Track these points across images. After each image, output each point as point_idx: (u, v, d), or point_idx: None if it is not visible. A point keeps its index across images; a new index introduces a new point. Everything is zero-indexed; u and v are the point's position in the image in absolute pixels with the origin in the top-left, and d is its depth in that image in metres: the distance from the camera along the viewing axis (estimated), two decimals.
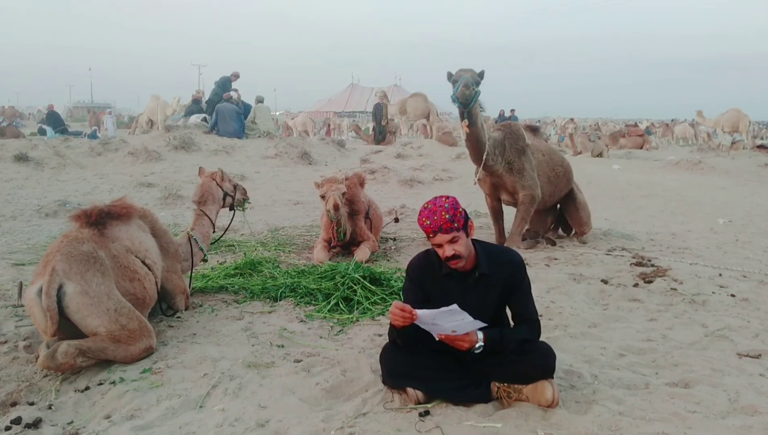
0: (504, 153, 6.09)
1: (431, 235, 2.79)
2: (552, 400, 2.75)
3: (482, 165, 5.98)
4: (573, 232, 6.85)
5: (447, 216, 2.74)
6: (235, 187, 5.00)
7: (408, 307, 2.70)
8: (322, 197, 5.55)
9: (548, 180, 6.41)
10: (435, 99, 23.77)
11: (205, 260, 4.75)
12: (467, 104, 5.61)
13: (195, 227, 4.66)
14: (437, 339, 2.79)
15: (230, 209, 5.04)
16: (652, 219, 8.59)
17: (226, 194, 4.87)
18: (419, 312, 2.68)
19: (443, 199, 2.82)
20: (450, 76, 5.73)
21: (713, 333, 3.89)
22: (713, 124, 22.99)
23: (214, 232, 4.82)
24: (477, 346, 2.77)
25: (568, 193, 6.70)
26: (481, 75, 5.76)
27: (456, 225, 2.75)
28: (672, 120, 43.65)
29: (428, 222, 2.77)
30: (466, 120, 5.70)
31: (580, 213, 6.64)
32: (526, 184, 6.10)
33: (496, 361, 2.85)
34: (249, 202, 5.21)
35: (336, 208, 5.41)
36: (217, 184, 4.82)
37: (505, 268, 2.92)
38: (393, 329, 2.89)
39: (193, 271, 4.58)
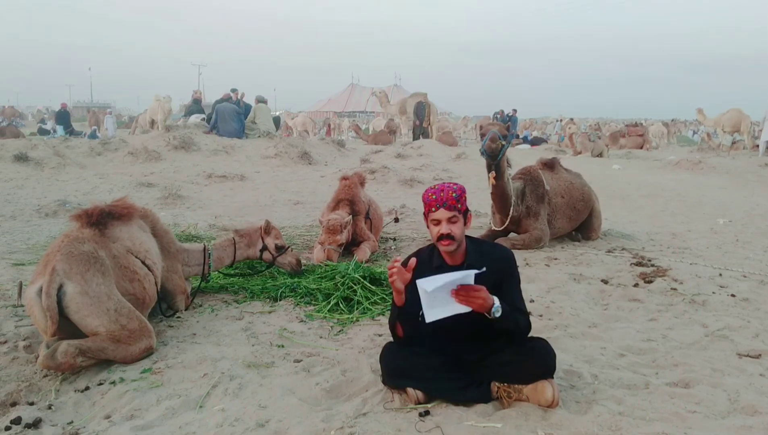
0: (524, 199, 6.28)
1: (433, 209, 2.80)
2: (552, 400, 2.75)
3: (509, 218, 6.14)
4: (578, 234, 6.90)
5: (454, 195, 2.80)
6: (280, 248, 4.80)
7: (398, 261, 2.75)
8: (321, 244, 5.50)
9: (569, 219, 6.60)
10: (435, 99, 23.80)
11: (207, 280, 4.59)
12: (495, 157, 5.75)
13: (217, 246, 4.63)
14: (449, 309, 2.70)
15: (267, 266, 4.89)
16: (652, 219, 8.60)
17: (265, 248, 4.76)
18: (423, 281, 2.66)
19: (452, 183, 2.88)
20: (480, 128, 6.02)
21: (713, 333, 3.89)
22: (713, 124, 22.95)
23: (231, 265, 4.76)
24: (495, 307, 2.69)
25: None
26: (508, 128, 6.02)
27: (459, 206, 2.79)
28: (672, 120, 43.67)
29: (434, 196, 2.80)
30: (493, 172, 5.83)
31: (593, 221, 6.83)
32: (538, 227, 6.26)
33: (496, 361, 2.85)
34: (298, 272, 4.91)
35: (329, 259, 5.33)
36: (261, 234, 4.76)
37: (495, 262, 2.92)
38: (393, 310, 2.89)
39: (191, 282, 4.55)
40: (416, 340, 3.00)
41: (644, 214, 9.02)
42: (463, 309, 2.68)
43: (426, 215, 2.89)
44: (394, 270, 2.74)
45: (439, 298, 2.68)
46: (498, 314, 2.71)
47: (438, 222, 2.81)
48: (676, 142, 32.10)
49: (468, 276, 2.67)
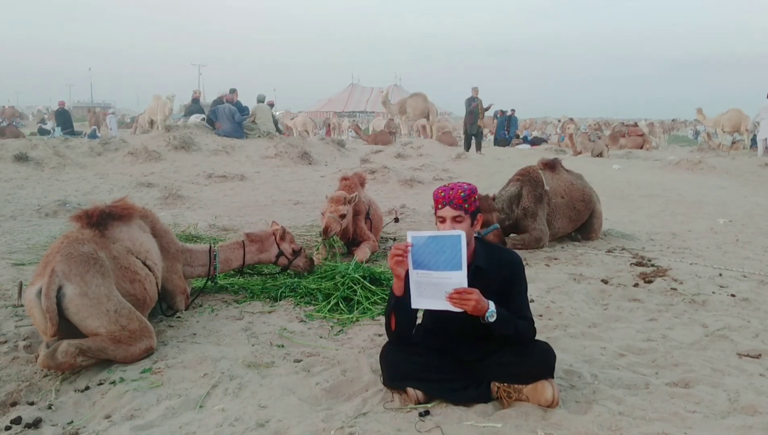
0: (520, 201, 6.26)
1: (440, 206, 2.82)
2: (552, 400, 2.75)
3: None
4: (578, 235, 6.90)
5: (462, 194, 2.79)
6: (295, 252, 4.83)
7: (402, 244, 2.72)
8: (323, 214, 5.51)
9: (569, 219, 6.59)
10: (435, 99, 23.78)
11: (214, 282, 4.60)
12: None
13: (224, 247, 4.60)
14: (441, 304, 2.70)
15: (282, 269, 4.89)
16: (652, 219, 8.59)
17: (281, 253, 4.75)
18: (413, 236, 2.70)
19: (465, 184, 2.87)
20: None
21: (713, 333, 3.89)
22: (713, 124, 22.94)
23: (241, 269, 4.73)
24: (489, 312, 2.69)
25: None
26: (494, 201, 6.16)
27: (466, 206, 2.79)
28: (672, 120, 43.70)
29: (442, 194, 2.82)
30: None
31: (594, 222, 6.82)
32: (536, 227, 6.25)
33: (495, 361, 2.85)
34: (311, 273, 4.95)
35: (326, 232, 5.32)
36: (275, 241, 4.75)
37: (504, 266, 2.92)
38: (390, 299, 2.87)
39: (191, 283, 4.54)
40: (416, 340, 3.01)
41: (644, 214, 9.01)
42: (455, 309, 2.68)
43: (435, 212, 2.90)
44: (400, 253, 2.71)
45: (430, 290, 2.69)
46: (492, 320, 2.71)
47: (443, 220, 2.81)
48: (666, 142, 32.02)
49: (460, 275, 2.64)
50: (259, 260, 4.77)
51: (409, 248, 2.70)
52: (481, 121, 17.85)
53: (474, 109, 17.49)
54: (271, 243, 4.76)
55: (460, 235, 2.65)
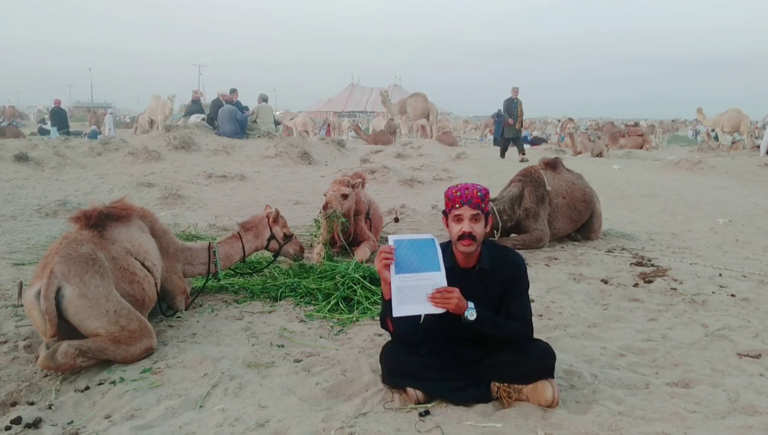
0: (522, 202, 6.26)
1: (457, 206, 2.80)
2: (552, 399, 2.75)
3: (499, 232, 6.17)
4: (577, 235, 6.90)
5: (479, 194, 2.79)
6: (286, 236, 4.84)
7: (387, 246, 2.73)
8: (325, 194, 5.57)
9: (570, 219, 6.60)
10: (435, 99, 23.78)
11: (217, 279, 4.59)
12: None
13: (222, 243, 4.61)
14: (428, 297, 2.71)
15: (274, 255, 4.90)
16: (652, 219, 8.60)
17: (273, 237, 4.76)
18: (394, 240, 2.73)
19: (479, 185, 2.86)
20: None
21: (713, 333, 3.89)
22: (713, 124, 22.94)
23: (242, 261, 4.74)
24: (468, 310, 2.72)
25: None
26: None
27: (482, 205, 2.79)
28: (672, 120, 43.71)
29: (459, 193, 2.80)
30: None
31: (594, 222, 6.82)
32: (538, 228, 6.26)
33: (495, 361, 2.85)
34: (300, 259, 5.01)
35: (326, 208, 5.37)
36: (268, 223, 4.76)
37: (507, 267, 2.93)
38: (383, 304, 2.87)
39: (191, 282, 4.54)
40: (416, 341, 3.01)
41: (644, 214, 9.01)
42: (437, 310, 2.71)
43: (447, 212, 2.88)
44: (387, 255, 2.69)
45: (411, 296, 2.70)
46: (472, 318, 2.73)
47: (460, 219, 2.80)
48: (666, 142, 32.01)
49: (439, 275, 2.71)
50: (256, 247, 4.77)
51: (394, 251, 2.70)
52: (519, 123, 16.38)
53: (514, 111, 16.14)
54: (264, 226, 4.76)
55: (432, 238, 2.73)
